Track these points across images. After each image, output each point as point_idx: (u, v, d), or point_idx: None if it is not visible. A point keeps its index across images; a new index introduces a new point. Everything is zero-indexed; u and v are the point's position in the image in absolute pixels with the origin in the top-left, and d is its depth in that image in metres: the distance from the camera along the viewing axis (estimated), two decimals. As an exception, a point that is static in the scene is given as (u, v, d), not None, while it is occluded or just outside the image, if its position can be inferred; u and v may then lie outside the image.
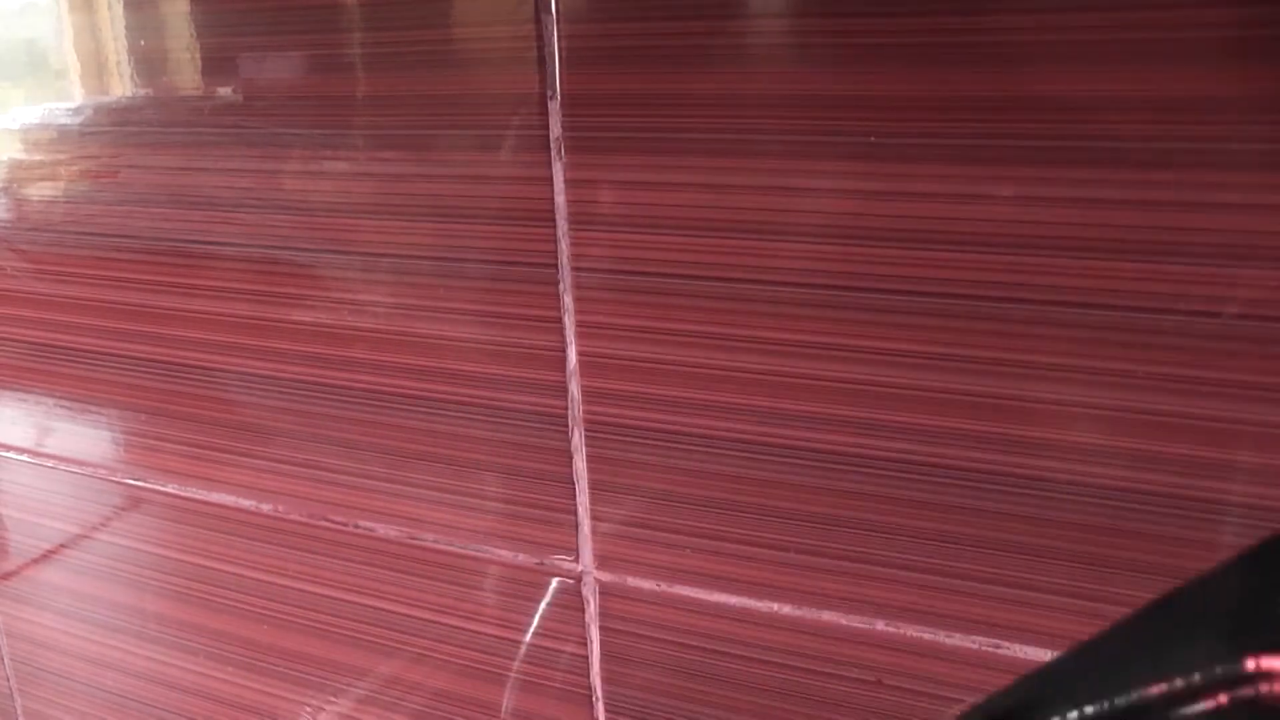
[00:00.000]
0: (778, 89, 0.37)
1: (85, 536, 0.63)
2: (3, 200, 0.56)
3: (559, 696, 0.51)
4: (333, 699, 0.58)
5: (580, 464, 0.46)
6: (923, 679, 0.43)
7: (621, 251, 0.42)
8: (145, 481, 0.59)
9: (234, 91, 0.47)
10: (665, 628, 0.47)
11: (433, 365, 0.48)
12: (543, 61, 0.41)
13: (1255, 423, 0.35)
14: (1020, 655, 0.41)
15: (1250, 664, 0.20)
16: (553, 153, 0.42)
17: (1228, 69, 0.32)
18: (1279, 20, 0.31)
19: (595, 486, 0.46)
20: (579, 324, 0.44)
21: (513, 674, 0.52)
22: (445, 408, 0.48)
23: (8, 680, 0.72)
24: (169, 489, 0.58)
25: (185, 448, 0.56)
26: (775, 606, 0.44)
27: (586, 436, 0.45)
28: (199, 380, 0.54)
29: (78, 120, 0.52)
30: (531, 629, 0.51)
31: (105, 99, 0.51)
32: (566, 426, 0.46)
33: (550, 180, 0.42)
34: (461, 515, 0.50)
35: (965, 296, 0.37)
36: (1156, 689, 0.21)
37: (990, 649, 0.41)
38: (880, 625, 0.43)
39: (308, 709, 0.59)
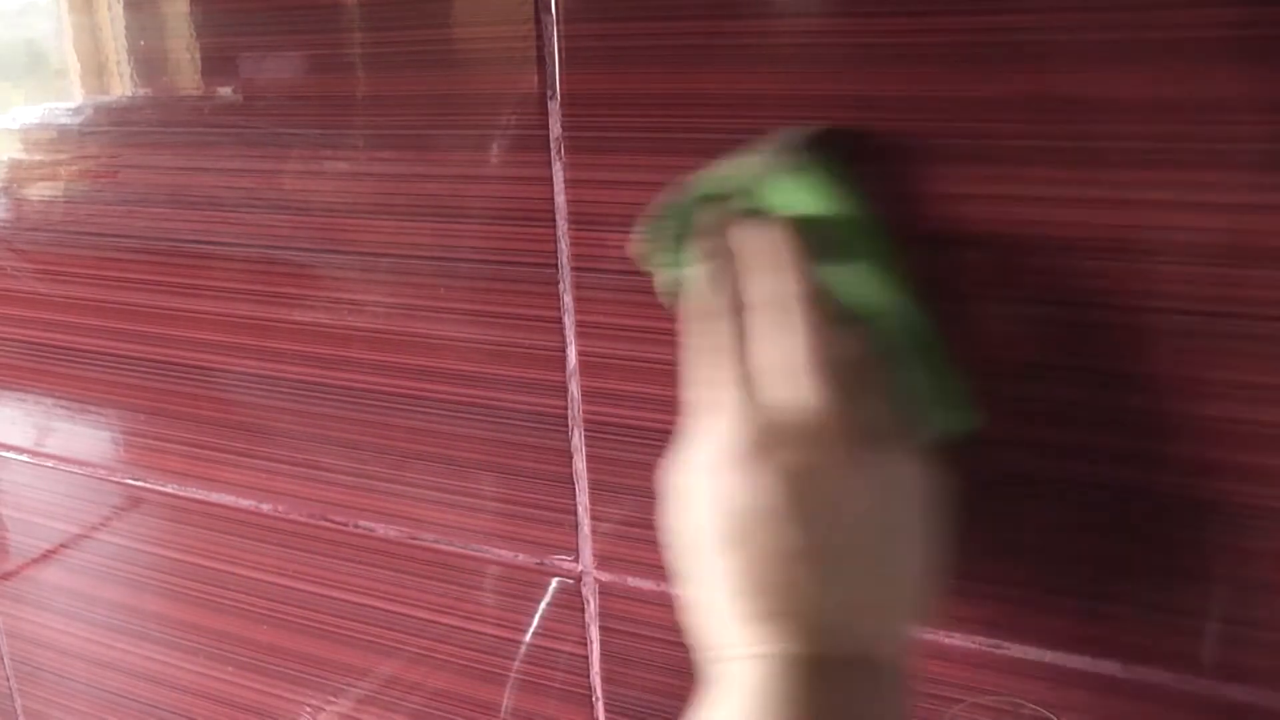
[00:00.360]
0: (778, 89, 0.37)
1: (85, 536, 0.63)
2: (3, 200, 0.56)
3: (559, 696, 0.51)
4: (333, 699, 0.58)
5: (580, 464, 0.46)
6: (922, 679, 0.43)
7: (621, 251, 0.42)
8: (145, 481, 0.59)
9: (234, 91, 0.47)
10: (665, 628, 0.47)
11: (432, 365, 0.48)
12: (543, 61, 0.41)
13: (1253, 422, 0.35)
14: (1020, 655, 0.41)
15: None
16: (553, 153, 0.42)
17: (1228, 68, 0.32)
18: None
19: (595, 486, 0.46)
20: (579, 324, 0.44)
21: (513, 674, 0.52)
22: (445, 408, 0.48)
23: (8, 680, 0.72)
24: (169, 489, 0.58)
25: (185, 448, 0.56)
26: (775, 606, 0.44)
27: (586, 436, 0.45)
28: (199, 380, 0.54)
29: (78, 120, 0.52)
30: (531, 629, 0.51)
31: (105, 99, 0.51)
32: (566, 426, 0.46)
33: (550, 180, 0.42)
34: (461, 515, 0.50)
35: (965, 297, 0.37)
36: None
37: (990, 649, 0.41)
38: (880, 625, 0.43)
39: (308, 709, 0.59)
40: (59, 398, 0.60)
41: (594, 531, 0.47)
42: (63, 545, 0.64)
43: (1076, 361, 0.36)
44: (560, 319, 0.44)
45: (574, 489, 0.47)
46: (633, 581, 0.47)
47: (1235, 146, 0.32)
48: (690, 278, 0.37)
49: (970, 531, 0.40)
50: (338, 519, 0.53)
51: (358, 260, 0.48)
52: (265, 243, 0.49)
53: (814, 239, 0.34)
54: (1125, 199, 0.34)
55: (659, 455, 0.44)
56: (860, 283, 0.34)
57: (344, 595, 0.55)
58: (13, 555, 0.67)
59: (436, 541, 0.51)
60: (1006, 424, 0.38)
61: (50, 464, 0.62)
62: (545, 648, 0.51)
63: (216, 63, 0.47)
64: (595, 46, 0.39)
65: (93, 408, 0.59)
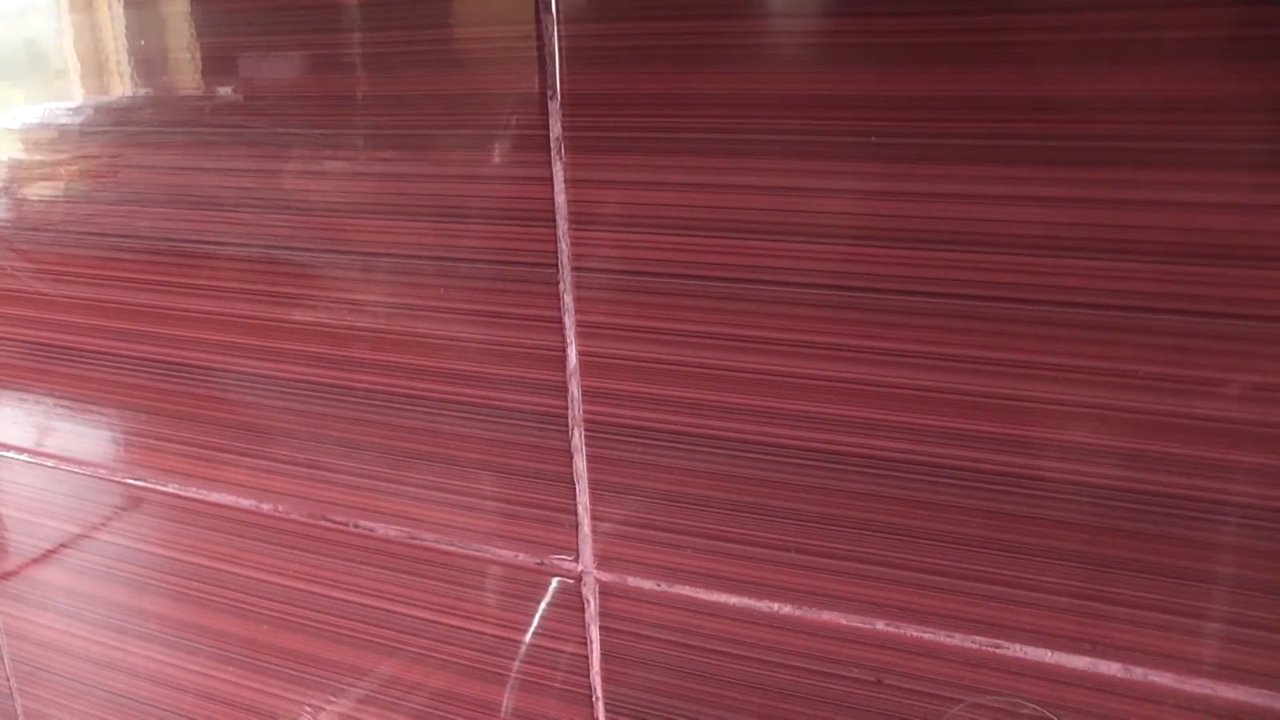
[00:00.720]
0: (778, 89, 0.37)
1: (85, 536, 0.63)
2: (3, 200, 0.56)
3: (559, 696, 0.51)
4: (333, 699, 0.58)
5: (580, 464, 0.46)
6: (923, 679, 0.43)
7: (621, 251, 0.42)
8: (145, 481, 0.59)
9: (234, 91, 0.47)
10: (665, 628, 0.47)
11: (433, 365, 0.48)
12: (543, 61, 0.41)
13: (1254, 423, 0.35)
14: (1020, 655, 0.41)
15: None
16: (553, 153, 0.42)
17: (1227, 69, 0.32)
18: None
19: (595, 486, 0.46)
20: (579, 324, 0.44)
21: (513, 674, 0.52)
22: (445, 408, 0.48)
23: (8, 680, 0.72)
24: (169, 489, 0.58)
25: (185, 448, 0.56)
26: (775, 606, 0.44)
27: (586, 436, 0.45)
28: (199, 380, 0.54)
29: (78, 120, 0.52)
30: (531, 629, 0.51)
31: (105, 99, 0.51)
32: (566, 426, 0.46)
33: (550, 180, 0.42)
34: (461, 515, 0.50)
35: (966, 296, 0.37)
36: None
37: (990, 649, 0.41)
38: (880, 625, 0.43)
39: (308, 709, 0.59)
40: (59, 398, 0.60)
41: (594, 531, 0.47)
42: (63, 545, 0.64)
43: (1084, 363, 0.36)
44: (560, 319, 0.44)
45: (574, 489, 0.47)
46: (633, 581, 0.47)
47: (1236, 146, 0.32)
48: None
49: (975, 531, 0.40)
50: (338, 519, 0.53)
51: (358, 260, 0.48)
52: (265, 243, 0.49)
53: None
54: (1125, 199, 0.34)
55: (659, 455, 0.44)
56: None
57: (344, 595, 0.55)
58: (13, 555, 0.66)
59: (436, 541, 0.51)
60: (1029, 427, 0.38)
61: (50, 464, 0.62)
62: (545, 648, 0.51)
63: (216, 63, 0.47)
64: (595, 46, 0.39)
65: (93, 408, 0.59)
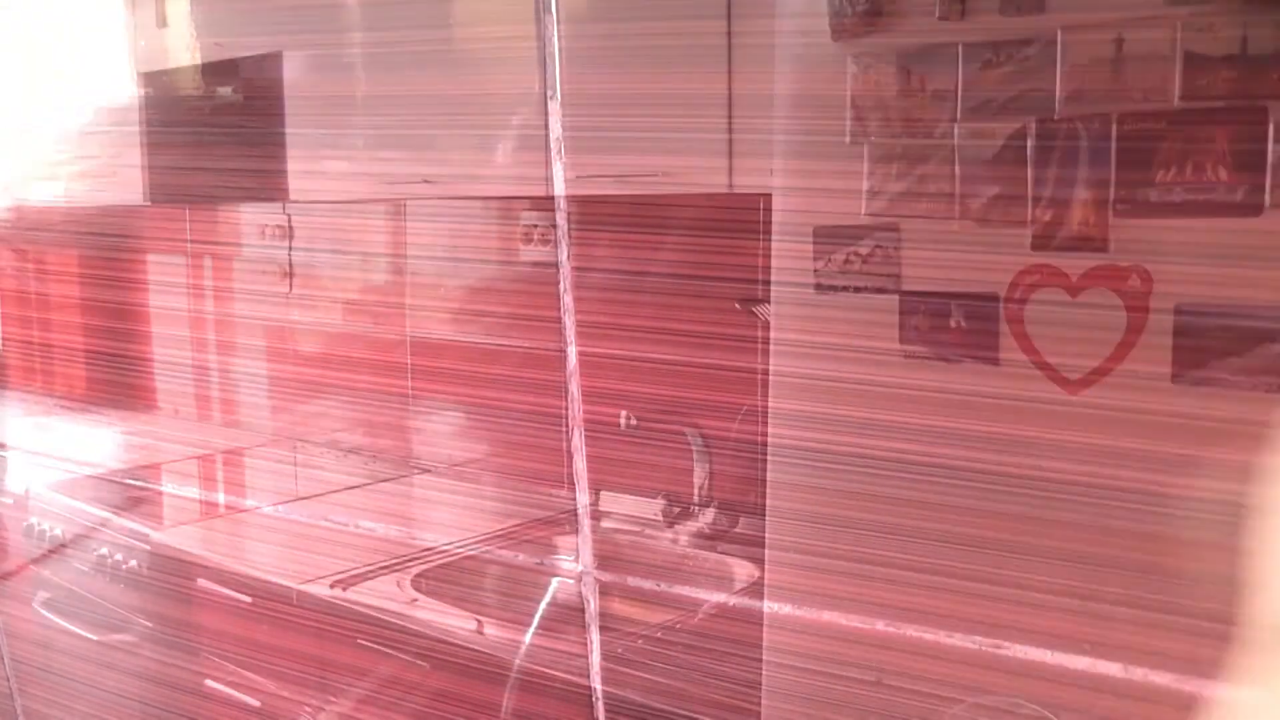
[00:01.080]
0: (778, 89, 0.37)
1: (85, 536, 0.63)
2: (3, 200, 0.56)
3: (559, 696, 0.51)
4: (333, 699, 0.58)
5: (580, 464, 0.46)
6: (923, 679, 0.43)
7: (621, 251, 0.42)
8: (145, 481, 0.59)
9: (234, 91, 0.47)
10: (666, 628, 0.47)
11: (432, 365, 0.48)
12: (543, 61, 0.41)
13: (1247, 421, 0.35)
14: (1020, 655, 0.40)
15: None
16: (553, 153, 0.42)
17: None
18: None
19: (595, 486, 0.46)
20: (579, 324, 0.44)
21: (513, 674, 0.52)
22: (445, 407, 0.48)
23: (8, 680, 0.72)
24: (169, 489, 0.58)
25: (186, 448, 0.56)
26: (775, 606, 0.44)
27: (586, 436, 0.45)
28: (200, 380, 0.54)
29: (78, 120, 0.52)
30: (531, 629, 0.50)
31: (105, 99, 0.51)
32: (566, 426, 0.46)
33: (550, 180, 0.42)
34: (461, 514, 0.50)
35: (965, 296, 0.37)
36: None
37: (990, 649, 0.41)
38: (880, 625, 0.43)
39: (308, 709, 0.59)
40: (59, 398, 0.60)
41: (594, 531, 0.47)
42: (63, 545, 0.64)
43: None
44: (560, 319, 0.44)
45: (574, 489, 0.47)
46: (633, 581, 0.47)
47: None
48: None
49: (975, 531, 0.40)
50: (338, 519, 0.53)
51: (358, 260, 0.48)
52: (265, 242, 0.49)
53: None
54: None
55: (659, 455, 0.44)
56: None
57: (344, 596, 0.55)
58: (12, 555, 0.66)
59: (437, 541, 0.51)
60: (1027, 427, 0.38)
61: (50, 464, 0.62)
62: (545, 648, 0.51)
63: (216, 63, 0.47)
64: (595, 46, 0.39)
65: (93, 408, 0.59)
